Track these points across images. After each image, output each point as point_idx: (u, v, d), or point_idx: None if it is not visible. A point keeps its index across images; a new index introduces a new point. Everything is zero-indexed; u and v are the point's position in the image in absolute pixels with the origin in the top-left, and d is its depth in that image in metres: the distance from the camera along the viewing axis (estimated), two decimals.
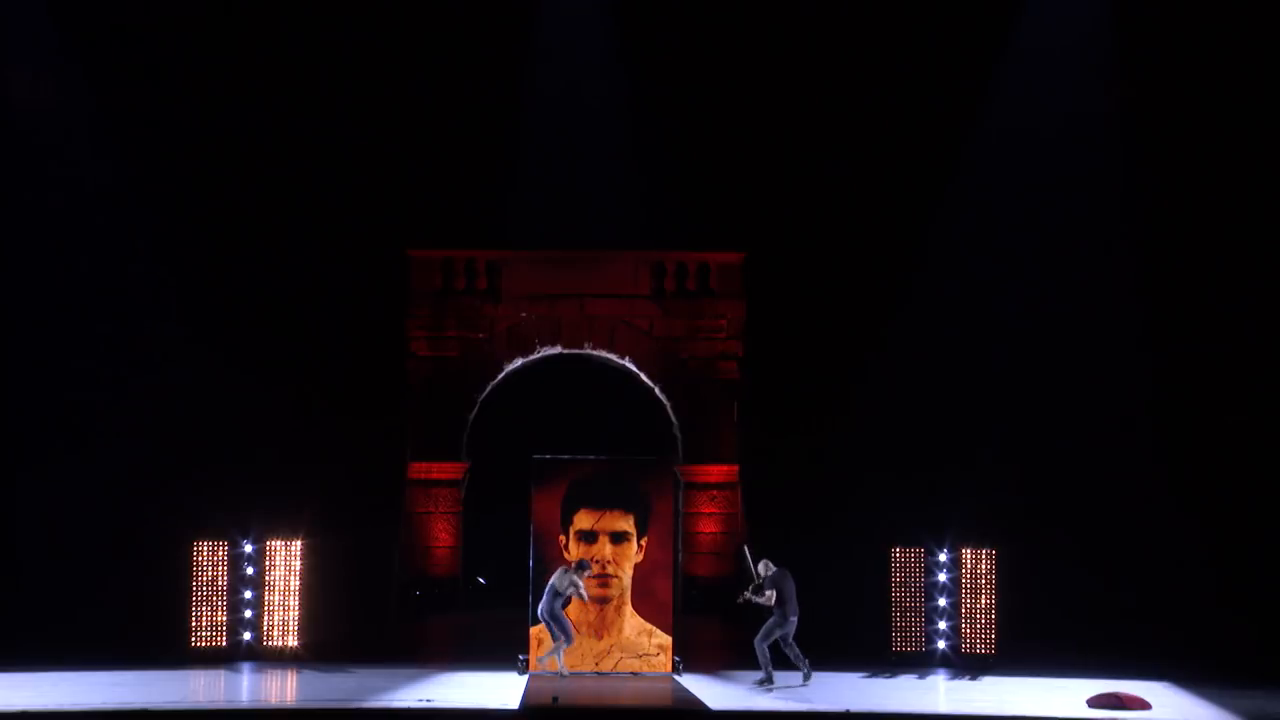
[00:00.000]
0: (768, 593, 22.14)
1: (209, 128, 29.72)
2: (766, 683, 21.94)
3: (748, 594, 22.44)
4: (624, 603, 23.39)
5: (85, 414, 28.67)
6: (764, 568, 22.42)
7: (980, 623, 24.60)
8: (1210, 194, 29.05)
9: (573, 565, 22.81)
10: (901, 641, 24.60)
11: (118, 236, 29.37)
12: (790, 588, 22.26)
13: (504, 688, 21.90)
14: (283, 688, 22.51)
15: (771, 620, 22.14)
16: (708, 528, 29.39)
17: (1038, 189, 29.69)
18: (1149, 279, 29.04)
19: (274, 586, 24.66)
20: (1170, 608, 26.60)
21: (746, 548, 23.07)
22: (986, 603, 24.62)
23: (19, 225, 28.69)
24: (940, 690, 22.57)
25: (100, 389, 28.85)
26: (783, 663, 22.18)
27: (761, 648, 22.09)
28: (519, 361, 29.94)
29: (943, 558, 24.54)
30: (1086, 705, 20.85)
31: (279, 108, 30.06)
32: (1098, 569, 27.52)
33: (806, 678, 21.98)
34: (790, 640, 22.10)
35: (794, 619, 22.15)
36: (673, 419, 29.86)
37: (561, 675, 22.42)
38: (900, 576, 24.68)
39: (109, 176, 29.15)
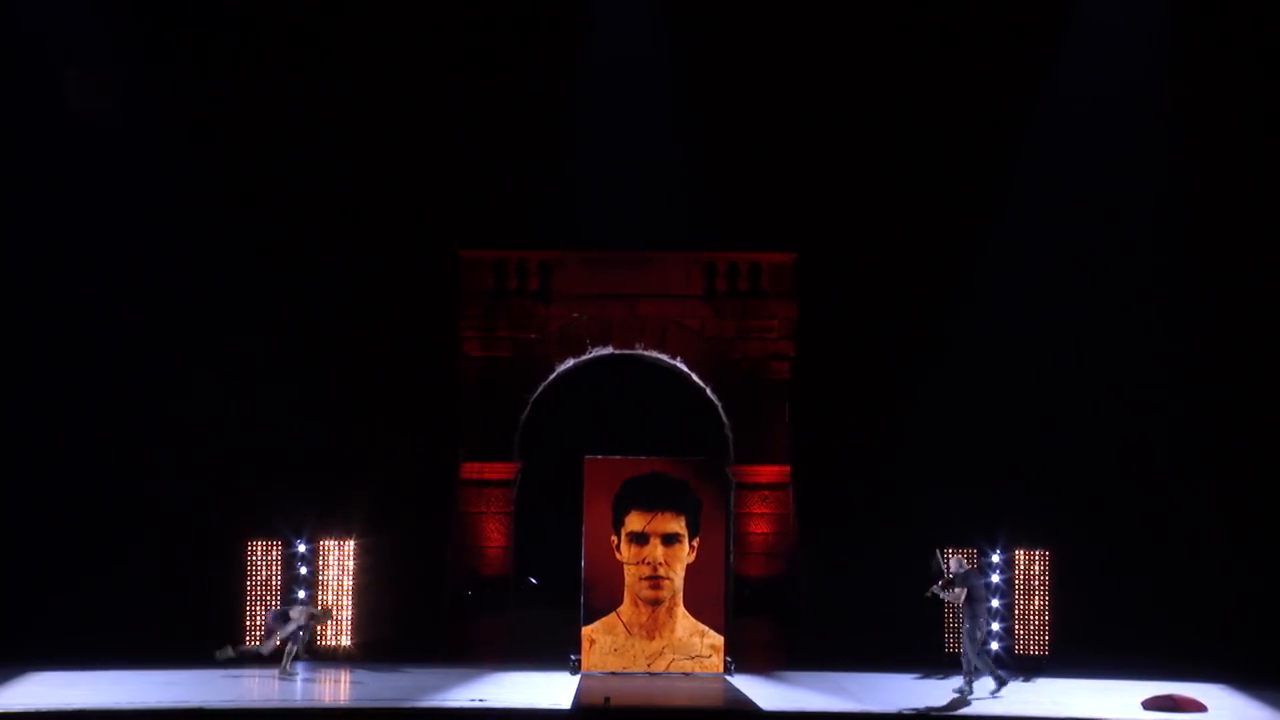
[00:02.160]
0: (956, 590, 22.02)
1: (262, 131, 29.84)
2: (1000, 685, 21.79)
3: (935, 589, 22.35)
4: (676, 604, 23.41)
5: (138, 416, 28.85)
6: (956, 564, 22.31)
7: (1034, 624, 24.53)
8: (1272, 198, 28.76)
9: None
10: (955, 642, 24.47)
11: (171, 241, 29.54)
12: (981, 588, 22.18)
13: (556, 687, 21.98)
14: (336, 687, 22.64)
15: (967, 626, 22.02)
16: (759, 528, 29.35)
17: (1093, 190, 29.50)
18: (1204, 283, 28.81)
19: (327, 586, 24.80)
20: (1226, 609, 26.41)
21: (940, 551, 22.92)
22: (1040, 604, 24.55)
23: (76, 229, 28.90)
24: (989, 691, 22.47)
25: (152, 391, 29.01)
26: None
27: (981, 656, 21.94)
28: (570, 362, 29.98)
29: (996, 559, 24.43)
30: (1141, 707, 20.76)
31: (330, 109, 30.17)
32: (1152, 570, 27.34)
33: (995, 690, 21.93)
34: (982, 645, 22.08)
35: (984, 620, 22.09)
36: (724, 419, 29.83)
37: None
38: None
39: (164, 182, 29.31)
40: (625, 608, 23.46)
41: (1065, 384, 28.95)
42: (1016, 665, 23.99)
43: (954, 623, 24.44)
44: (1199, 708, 20.69)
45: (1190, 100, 29.20)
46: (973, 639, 21.95)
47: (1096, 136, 29.47)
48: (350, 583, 24.83)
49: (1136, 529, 27.87)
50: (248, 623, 24.47)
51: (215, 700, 20.26)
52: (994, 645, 24.13)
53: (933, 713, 20.60)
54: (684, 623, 23.41)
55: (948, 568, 22.36)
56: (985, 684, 22.05)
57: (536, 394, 29.87)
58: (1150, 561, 27.46)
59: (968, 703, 21.32)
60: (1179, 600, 26.75)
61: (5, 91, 28.41)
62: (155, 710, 19.69)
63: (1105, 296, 29.34)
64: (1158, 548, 27.66)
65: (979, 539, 24.49)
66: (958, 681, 22.60)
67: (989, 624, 22.40)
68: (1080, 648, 24.68)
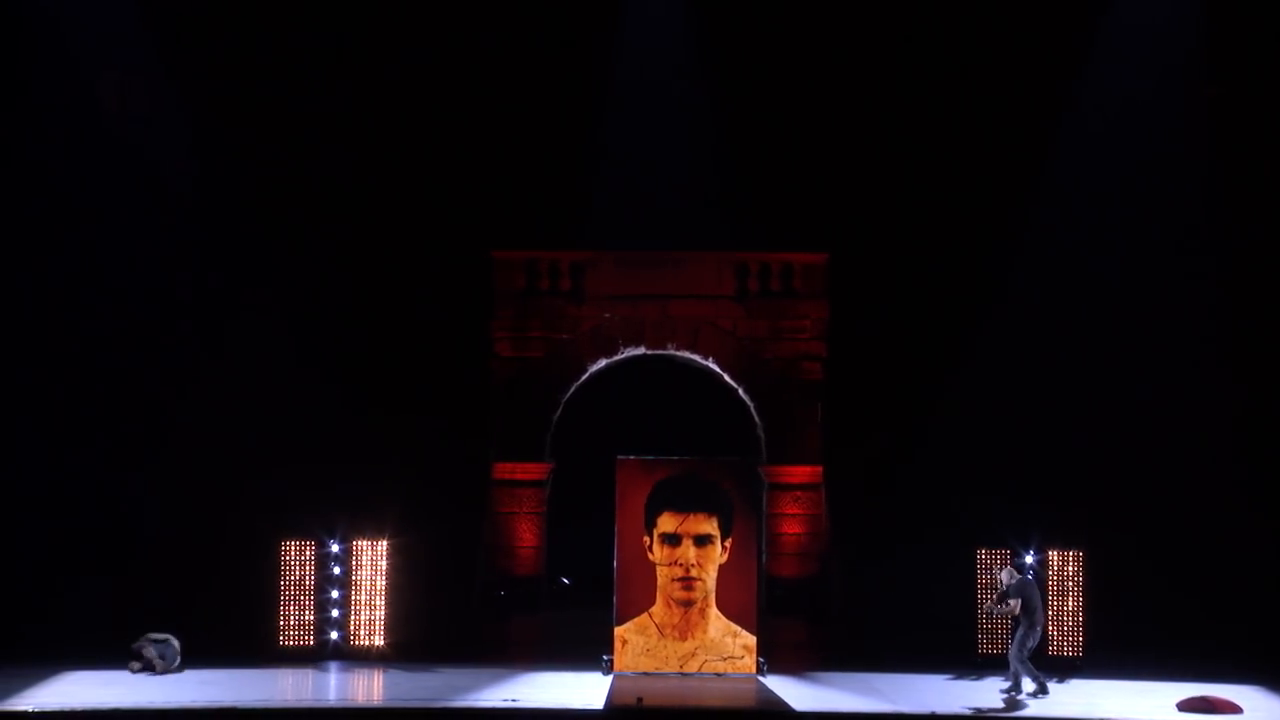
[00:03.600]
0: (1011, 602, 21.96)
1: (294, 131, 29.94)
2: (1041, 692, 21.70)
3: (990, 603, 22.33)
4: (708, 605, 23.39)
5: (172, 415, 28.98)
6: (1007, 575, 22.24)
7: (1067, 625, 24.44)
8: None
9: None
10: (987, 644, 24.43)
11: (203, 239, 29.71)
12: (1036, 596, 22.12)
13: (588, 688, 21.98)
14: (369, 687, 22.70)
15: (1020, 632, 21.93)
16: (791, 529, 29.33)
17: (1127, 191, 29.39)
18: (1237, 279, 28.69)
19: (360, 586, 24.86)
20: (1263, 610, 26.26)
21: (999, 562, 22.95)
22: (1074, 605, 24.46)
23: (109, 227, 29.09)
24: (1027, 693, 22.39)
25: (188, 390, 29.14)
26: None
27: (1024, 662, 21.87)
28: (602, 362, 30.00)
29: (1029, 559, 24.34)
30: (1176, 709, 20.66)
31: (363, 109, 30.27)
32: (1187, 571, 27.19)
33: (1035, 692, 21.88)
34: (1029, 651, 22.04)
35: (1039, 629, 22.03)
36: (756, 420, 29.81)
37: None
38: (986, 578, 24.50)
39: (198, 180, 29.49)
40: (657, 608, 23.45)
41: (1099, 383, 28.85)
42: (1050, 666, 23.90)
43: (987, 624, 24.36)
44: (1234, 709, 20.58)
45: (1223, 99, 29.07)
46: (1022, 645, 21.83)
47: (1128, 137, 29.34)
48: (383, 582, 24.88)
49: (1171, 529, 27.73)
50: (281, 622, 24.54)
51: (249, 700, 20.32)
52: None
53: (966, 714, 20.54)
54: (716, 623, 23.39)
55: (1000, 580, 22.28)
56: (1025, 687, 21.99)
57: (569, 394, 29.90)
58: (1185, 561, 27.31)
59: (1017, 704, 21.23)
60: (1214, 600, 26.59)
61: (31, 87, 28.68)
62: (189, 709, 19.77)
63: (1139, 296, 29.21)
64: (1193, 548, 27.52)
65: (1012, 539, 24.41)
66: (991, 682, 22.55)
67: (1040, 634, 22.27)
68: (1115, 648, 24.58)
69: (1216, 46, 29.04)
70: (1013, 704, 21.30)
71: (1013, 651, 22.02)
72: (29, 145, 28.60)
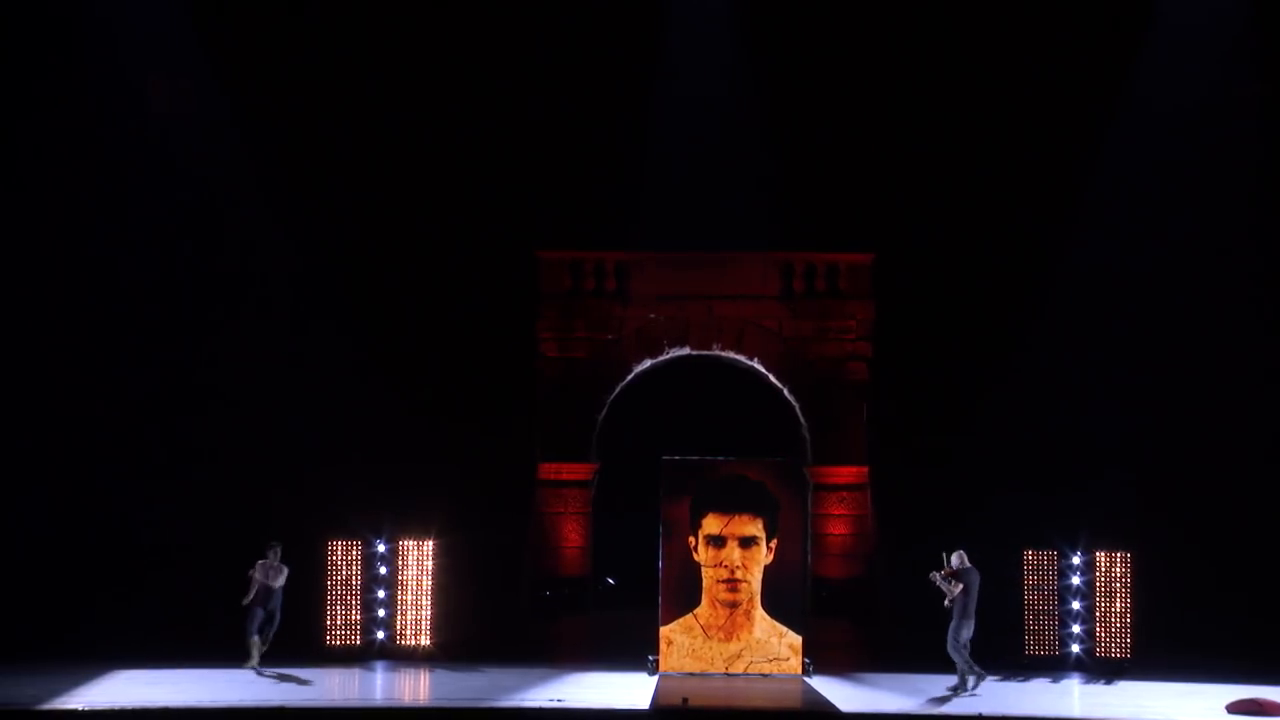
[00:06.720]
0: (954, 585, 21.87)
1: (341, 133, 30.09)
2: (961, 688, 21.63)
3: (937, 576, 22.10)
4: (753, 606, 23.35)
5: (221, 414, 29.12)
6: (957, 559, 22.11)
7: (1115, 626, 24.29)
8: None
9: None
10: (1034, 645, 24.34)
11: (251, 241, 29.87)
12: (976, 588, 22.01)
13: (634, 688, 21.98)
14: (415, 686, 22.75)
15: (954, 622, 21.82)
16: (837, 529, 29.27)
17: (1174, 190, 29.19)
18: None
19: (406, 586, 24.94)
20: None
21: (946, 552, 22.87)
22: (1122, 606, 24.31)
23: (157, 227, 29.30)
24: (1075, 694, 22.31)
25: (235, 390, 29.29)
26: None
27: (958, 651, 21.75)
28: (648, 363, 30.00)
29: (1077, 560, 24.24)
30: (1226, 711, 20.50)
31: (409, 111, 30.37)
32: (1236, 572, 27.02)
33: (975, 685, 21.73)
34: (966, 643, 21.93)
35: (973, 620, 21.93)
36: (801, 420, 29.76)
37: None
38: (1033, 579, 24.43)
39: (248, 182, 29.64)
40: (703, 609, 23.43)
41: (1145, 383, 28.69)
42: (1098, 668, 23.80)
43: (1034, 624, 24.26)
44: None
45: (1270, 97, 28.89)
46: (957, 634, 21.70)
47: (1174, 135, 29.14)
48: (429, 582, 24.95)
49: (1219, 529, 27.57)
50: (328, 622, 24.63)
51: (295, 699, 20.42)
52: (1075, 647, 23.98)
53: (1013, 715, 20.43)
54: (762, 624, 23.35)
55: (949, 562, 22.11)
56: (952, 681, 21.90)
57: (614, 395, 29.91)
58: (1235, 562, 27.14)
59: (1059, 704, 21.15)
60: (1264, 601, 26.42)
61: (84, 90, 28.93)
62: (237, 708, 19.86)
63: (1185, 294, 29.04)
64: (1241, 548, 27.35)
65: (1059, 540, 24.31)
66: (1039, 684, 22.48)
67: (975, 625, 22.11)
68: (1163, 650, 24.44)
69: (1263, 43, 28.83)
70: (1056, 704, 21.20)
71: (952, 641, 21.79)
72: (77, 145, 28.86)
